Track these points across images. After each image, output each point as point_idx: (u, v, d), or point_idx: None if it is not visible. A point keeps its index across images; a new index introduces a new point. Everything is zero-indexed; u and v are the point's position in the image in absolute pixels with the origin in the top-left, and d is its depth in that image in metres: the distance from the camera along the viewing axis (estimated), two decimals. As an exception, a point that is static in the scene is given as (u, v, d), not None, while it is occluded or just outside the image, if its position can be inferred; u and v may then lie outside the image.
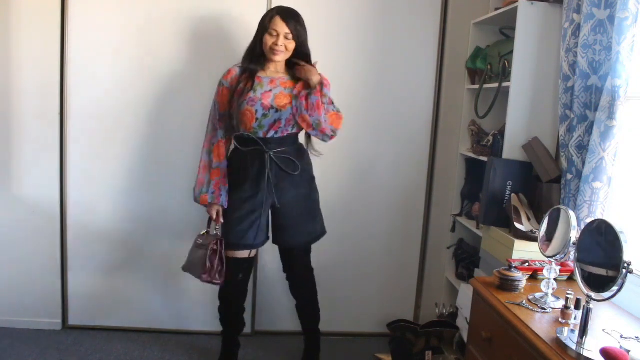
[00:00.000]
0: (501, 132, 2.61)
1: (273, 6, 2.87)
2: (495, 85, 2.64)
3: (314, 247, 2.68)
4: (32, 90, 2.86)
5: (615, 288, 1.44)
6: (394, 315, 3.13)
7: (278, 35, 2.37)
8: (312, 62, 2.51)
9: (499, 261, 2.32)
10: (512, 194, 2.46)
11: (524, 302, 1.80)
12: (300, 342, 2.84)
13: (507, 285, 1.90)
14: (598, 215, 1.99)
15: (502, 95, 2.63)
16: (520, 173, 2.49)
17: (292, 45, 2.42)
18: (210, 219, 2.54)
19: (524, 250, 2.21)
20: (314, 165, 2.65)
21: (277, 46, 2.38)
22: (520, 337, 1.61)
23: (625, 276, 1.41)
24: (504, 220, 2.45)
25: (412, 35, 3.00)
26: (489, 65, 2.78)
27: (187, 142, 2.91)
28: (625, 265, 1.41)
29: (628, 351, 1.38)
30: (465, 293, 2.55)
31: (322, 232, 2.67)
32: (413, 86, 3.04)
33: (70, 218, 2.98)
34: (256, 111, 2.40)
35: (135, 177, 2.95)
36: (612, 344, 1.45)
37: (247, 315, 3.02)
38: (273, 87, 2.45)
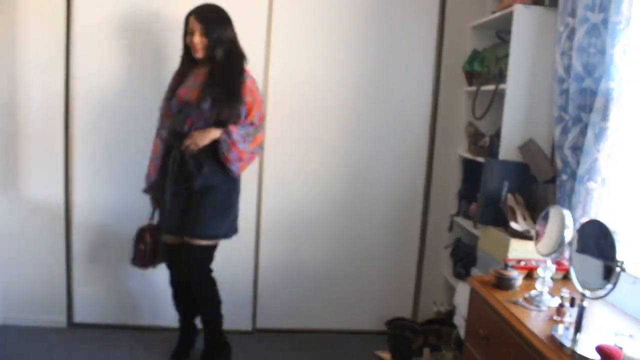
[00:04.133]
0: (498, 134, 2.62)
1: (274, 8, 2.91)
2: (492, 87, 2.66)
3: (315, 244, 2.62)
4: (37, 92, 2.88)
5: (609, 286, 1.46)
6: (392, 313, 3.16)
7: (193, 33, 2.45)
8: (245, 65, 2.54)
9: (495, 260, 2.34)
10: (509, 194, 2.48)
11: (520, 300, 1.82)
12: (301, 339, 2.86)
13: (503, 283, 1.92)
14: (592, 215, 2.01)
15: (498, 97, 2.64)
16: (516, 173, 2.50)
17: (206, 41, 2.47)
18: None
19: (520, 250, 2.23)
20: (312, 165, 2.65)
21: (193, 43, 2.45)
22: (516, 334, 1.63)
23: (619, 275, 1.43)
24: (500, 219, 2.47)
25: (410, 38, 3.03)
26: (486, 68, 2.80)
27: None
28: (619, 264, 1.43)
29: (622, 348, 1.40)
30: (463, 291, 2.56)
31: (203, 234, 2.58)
32: (411, 88, 3.07)
33: (75, 217, 3.00)
34: (172, 106, 2.52)
35: (140, 177, 2.96)
36: (607, 341, 1.46)
37: (247, 313, 3.07)
38: (194, 81, 2.52)
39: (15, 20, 2.82)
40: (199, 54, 2.47)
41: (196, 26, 2.43)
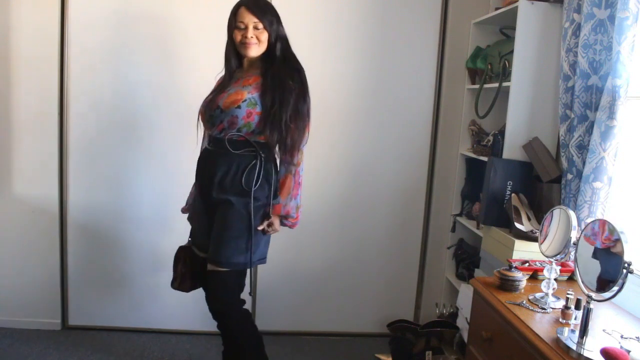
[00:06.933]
0: (501, 132, 2.61)
1: (274, 5, 2.88)
2: (496, 85, 2.63)
3: (316, 246, 2.54)
4: (32, 90, 2.85)
5: (615, 288, 1.44)
6: (394, 316, 3.12)
7: (246, 27, 2.11)
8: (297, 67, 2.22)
9: (499, 261, 2.32)
10: (513, 194, 2.46)
11: (524, 302, 1.80)
12: (301, 342, 2.83)
13: (507, 285, 1.90)
14: (598, 215, 1.99)
15: (502, 95, 2.62)
16: (520, 173, 2.48)
17: (264, 35, 2.13)
18: None
19: (524, 250, 2.21)
20: (313, 164, 2.61)
21: (247, 38, 2.11)
22: (520, 337, 1.61)
23: (626, 276, 1.41)
24: (504, 220, 2.45)
25: (412, 35, 3.00)
26: (489, 65, 2.77)
27: (188, 142, 2.89)
28: (626, 265, 1.41)
29: (628, 351, 1.38)
30: (466, 293, 2.54)
31: (227, 262, 2.16)
32: (413, 86, 3.04)
33: (70, 218, 2.98)
34: (205, 111, 2.22)
35: (136, 176, 2.95)
36: (613, 344, 1.45)
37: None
38: (236, 86, 2.17)
39: (8, 15, 2.79)
40: (252, 51, 2.14)
41: (249, 18, 2.10)
